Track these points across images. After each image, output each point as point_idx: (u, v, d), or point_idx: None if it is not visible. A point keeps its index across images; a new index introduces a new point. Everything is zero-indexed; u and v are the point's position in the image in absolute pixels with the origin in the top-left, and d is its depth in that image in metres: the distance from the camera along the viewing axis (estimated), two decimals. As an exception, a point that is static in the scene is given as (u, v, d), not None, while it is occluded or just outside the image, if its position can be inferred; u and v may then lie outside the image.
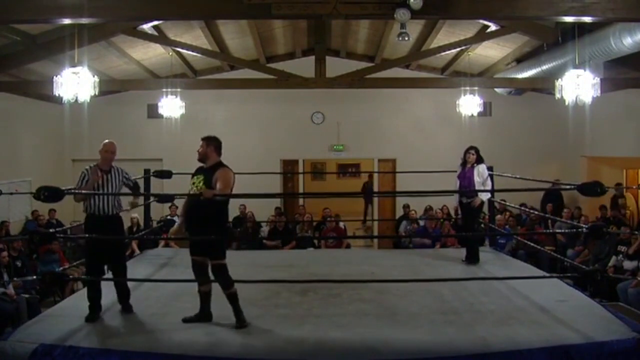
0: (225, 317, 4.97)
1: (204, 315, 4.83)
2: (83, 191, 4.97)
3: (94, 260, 5.12)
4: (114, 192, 5.09)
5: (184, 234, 5.19)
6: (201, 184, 4.75)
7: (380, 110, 13.59)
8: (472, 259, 7.05)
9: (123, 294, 5.13)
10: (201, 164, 4.92)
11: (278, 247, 10.23)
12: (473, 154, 7.14)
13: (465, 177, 7.16)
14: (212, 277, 4.83)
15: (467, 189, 7.07)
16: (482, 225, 8.22)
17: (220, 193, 4.58)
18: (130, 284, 5.27)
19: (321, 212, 11.65)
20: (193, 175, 4.91)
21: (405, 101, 13.47)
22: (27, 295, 7.58)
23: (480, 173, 7.09)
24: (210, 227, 4.71)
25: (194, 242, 4.85)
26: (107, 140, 5.20)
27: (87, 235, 5.11)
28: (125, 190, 5.29)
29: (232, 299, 4.75)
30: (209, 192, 4.50)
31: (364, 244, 13.18)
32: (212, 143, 4.89)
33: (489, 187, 7.15)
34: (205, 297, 4.85)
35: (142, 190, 5.88)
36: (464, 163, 7.22)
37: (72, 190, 4.97)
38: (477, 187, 7.00)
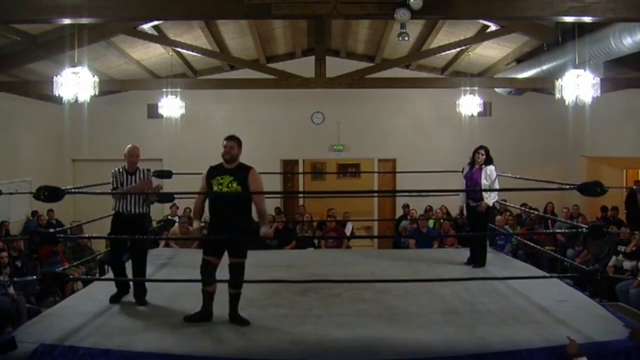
0: (226, 317, 4.97)
1: (206, 315, 4.82)
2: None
3: (115, 250, 5.64)
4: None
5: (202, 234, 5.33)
6: (234, 184, 4.75)
7: (380, 110, 13.59)
8: (478, 262, 6.89)
9: (139, 287, 5.38)
10: (215, 164, 4.90)
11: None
12: (482, 154, 6.94)
13: (472, 178, 6.96)
14: (218, 276, 4.85)
15: (471, 190, 6.93)
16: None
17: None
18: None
19: (324, 212, 11.61)
20: (212, 175, 4.83)
21: (405, 101, 13.47)
22: (28, 305, 7.53)
23: (488, 175, 6.90)
24: (242, 226, 4.79)
25: (231, 244, 4.80)
26: (130, 145, 5.61)
27: (86, 235, 5.25)
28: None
29: (238, 299, 4.80)
30: (267, 229, 4.91)
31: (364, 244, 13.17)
32: (240, 144, 4.95)
33: (496, 190, 6.96)
34: (210, 297, 4.83)
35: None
36: (472, 163, 7.03)
37: (73, 190, 5.07)
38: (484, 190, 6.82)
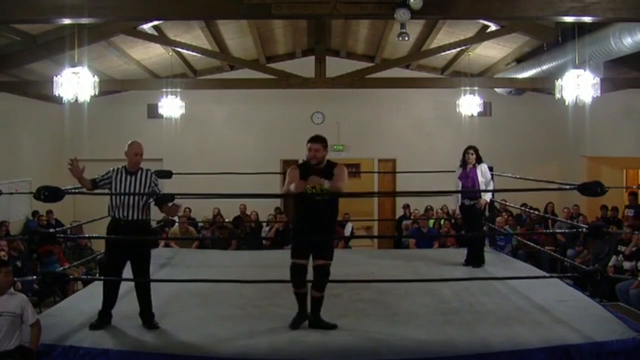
0: (226, 317, 4.98)
1: (303, 316, 4.76)
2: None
3: (112, 264, 4.83)
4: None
5: None
6: (325, 185, 4.63)
7: (380, 110, 13.58)
8: (477, 261, 6.92)
9: (143, 308, 4.78)
10: (302, 162, 4.79)
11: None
12: (472, 154, 7.04)
13: (469, 177, 7.02)
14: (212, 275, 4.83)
15: (471, 190, 6.96)
16: (485, 228, 8.14)
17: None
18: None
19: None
20: (304, 176, 4.66)
21: (405, 101, 13.46)
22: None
23: (483, 173, 6.99)
24: (329, 228, 4.75)
25: (318, 246, 4.72)
26: (131, 141, 4.91)
27: (87, 235, 5.04)
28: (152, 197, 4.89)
29: (321, 303, 4.75)
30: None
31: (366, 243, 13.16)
32: (326, 145, 4.77)
33: (491, 187, 7.05)
34: (303, 299, 4.77)
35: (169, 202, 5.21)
36: (463, 164, 7.11)
37: (73, 190, 4.92)
38: (482, 188, 6.90)
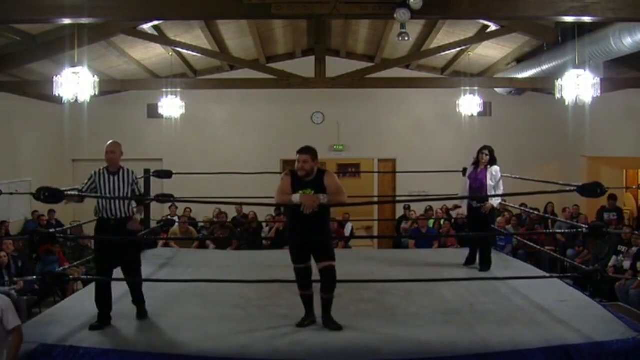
0: (226, 317, 4.98)
1: (312, 318, 4.79)
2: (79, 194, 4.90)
3: (103, 265, 4.90)
4: (121, 196, 4.85)
5: None
6: (322, 200, 4.59)
7: (380, 110, 13.59)
8: (484, 265, 6.76)
9: (136, 298, 4.98)
10: (294, 169, 4.71)
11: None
12: (487, 155, 6.79)
13: (477, 179, 6.80)
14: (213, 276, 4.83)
15: (477, 192, 6.77)
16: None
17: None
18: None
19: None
20: (296, 185, 4.63)
21: (405, 101, 13.46)
22: (25, 297, 7.56)
23: (493, 176, 6.75)
24: (322, 232, 4.73)
25: (316, 248, 4.71)
26: (110, 141, 5.00)
27: (87, 235, 5.04)
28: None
29: (330, 303, 4.74)
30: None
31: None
32: (316, 157, 4.67)
33: (501, 191, 6.79)
34: (309, 300, 4.80)
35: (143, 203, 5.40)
36: (476, 163, 6.88)
37: (73, 192, 4.92)
38: (489, 191, 6.65)
